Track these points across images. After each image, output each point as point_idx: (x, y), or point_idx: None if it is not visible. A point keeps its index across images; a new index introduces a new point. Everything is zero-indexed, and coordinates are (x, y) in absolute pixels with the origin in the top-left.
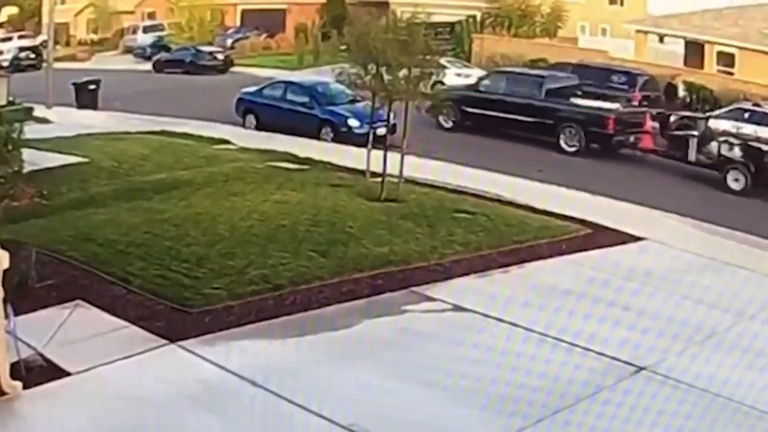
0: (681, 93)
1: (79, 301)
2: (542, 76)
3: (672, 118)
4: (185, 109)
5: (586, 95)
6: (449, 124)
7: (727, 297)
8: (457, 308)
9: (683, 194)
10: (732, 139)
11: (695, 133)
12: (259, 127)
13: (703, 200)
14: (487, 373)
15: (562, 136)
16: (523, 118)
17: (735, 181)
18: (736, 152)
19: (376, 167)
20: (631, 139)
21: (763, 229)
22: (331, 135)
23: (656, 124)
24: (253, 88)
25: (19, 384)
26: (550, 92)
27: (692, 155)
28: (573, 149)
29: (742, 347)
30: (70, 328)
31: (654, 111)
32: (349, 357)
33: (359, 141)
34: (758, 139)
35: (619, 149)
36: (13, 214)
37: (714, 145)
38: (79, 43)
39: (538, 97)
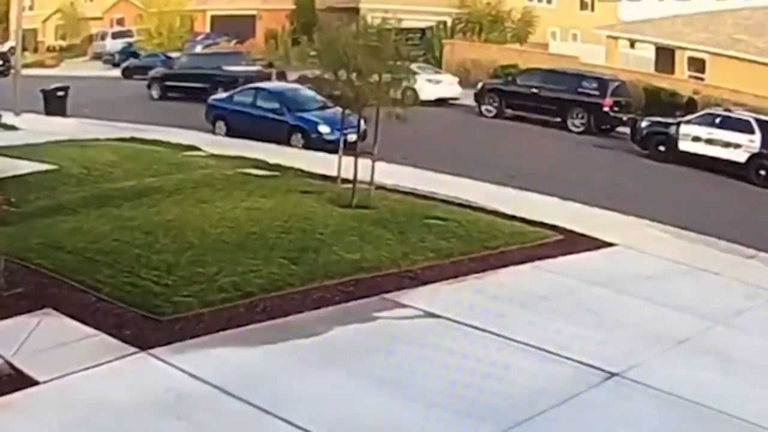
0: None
1: (48, 309)
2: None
3: (644, 124)
4: (154, 116)
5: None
6: None
7: (699, 302)
8: (429, 314)
9: None
10: None
11: None
12: (230, 133)
13: None
14: (459, 379)
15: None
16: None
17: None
18: None
19: (347, 174)
20: None
21: None
22: (302, 141)
23: None
24: (223, 95)
25: None
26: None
27: None
28: None
29: (715, 353)
30: (38, 337)
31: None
32: (321, 364)
33: (330, 147)
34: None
35: None
36: None
37: None
38: (48, 49)
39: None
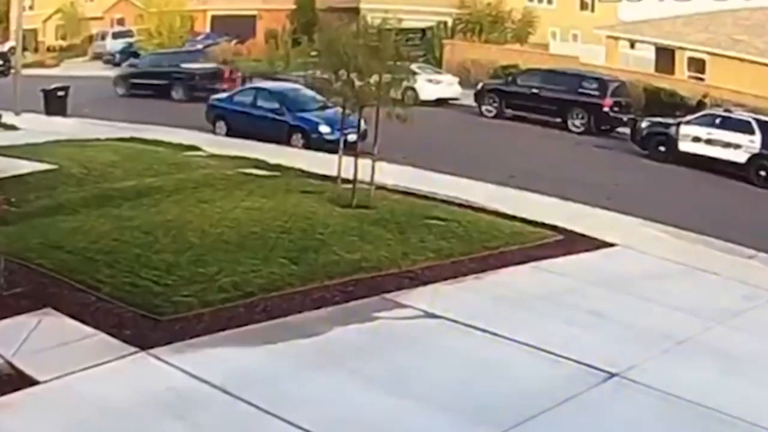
0: None
1: (48, 309)
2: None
3: (644, 124)
4: (155, 116)
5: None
6: None
7: (698, 302)
8: (429, 315)
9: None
10: None
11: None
12: (230, 133)
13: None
14: (458, 380)
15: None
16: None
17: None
18: None
19: (348, 174)
20: (219, 85)
21: None
22: (302, 141)
23: None
24: (223, 95)
25: None
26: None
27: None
28: (179, 97)
29: (714, 353)
30: (38, 336)
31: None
32: (321, 364)
33: (330, 147)
34: None
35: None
36: None
37: None
38: (48, 49)
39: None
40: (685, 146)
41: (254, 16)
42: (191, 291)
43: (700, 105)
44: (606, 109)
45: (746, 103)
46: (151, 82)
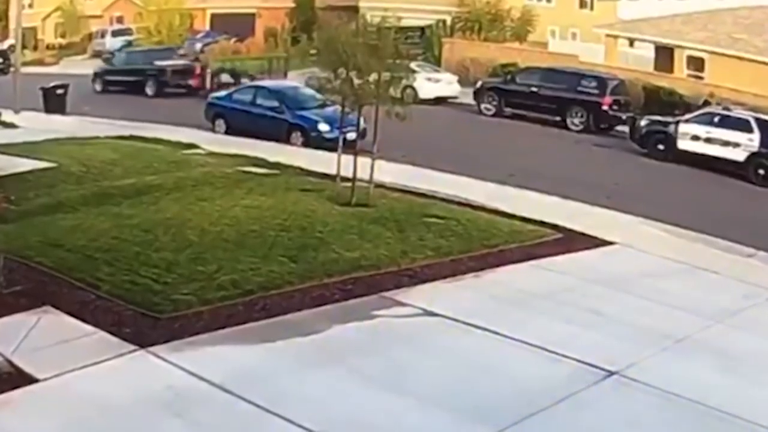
0: None
1: (48, 307)
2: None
3: (643, 122)
4: (154, 114)
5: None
6: None
7: (698, 301)
8: (428, 313)
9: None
10: None
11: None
12: (229, 131)
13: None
14: (458, 378)
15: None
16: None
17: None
18: None
19: (347, 172)
20: (190, 81)
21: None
22: (301, 139)
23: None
24: (222, 93)
25: None
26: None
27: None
28: (152, 93)
29: (714, 351)
30: (38, 334)
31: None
32: (319, 362)
33: (329, 145)
34: None
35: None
36: None
37: None
38: (47, 47)
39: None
40: (684, 145)
41: (254, 15)
42: (190, 289)
43: (705, 104)
44: (605, 107)
45: (745, 101)
46: (125, 79)
